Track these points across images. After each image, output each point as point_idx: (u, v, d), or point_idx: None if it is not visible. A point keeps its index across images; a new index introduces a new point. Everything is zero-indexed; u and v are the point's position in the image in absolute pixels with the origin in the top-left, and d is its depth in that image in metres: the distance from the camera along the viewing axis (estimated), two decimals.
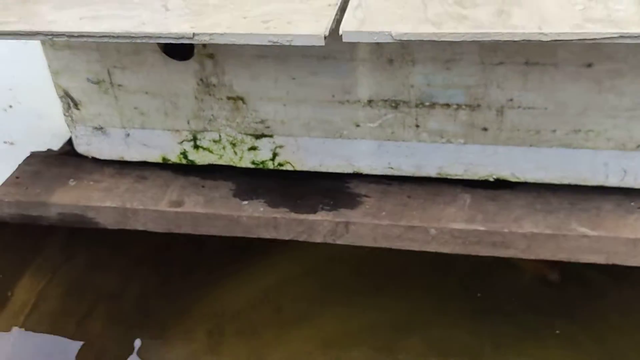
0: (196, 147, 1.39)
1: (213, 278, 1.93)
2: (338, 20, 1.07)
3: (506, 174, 1.30)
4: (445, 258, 1.85)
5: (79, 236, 1.70)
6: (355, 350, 1.79)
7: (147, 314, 1.84)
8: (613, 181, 1.27)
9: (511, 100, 1.22)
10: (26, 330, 1.64)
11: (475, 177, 1.32)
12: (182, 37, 1.09)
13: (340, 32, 1.04)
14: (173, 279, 1.89)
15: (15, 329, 1.63)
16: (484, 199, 1.34)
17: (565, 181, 1.29)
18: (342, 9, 1.10)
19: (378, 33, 1.02)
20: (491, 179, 1.32)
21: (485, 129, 1.26)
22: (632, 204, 1.31)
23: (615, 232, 1.26)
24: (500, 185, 1.34)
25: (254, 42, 1.06)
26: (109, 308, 1.80)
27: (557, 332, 1.78)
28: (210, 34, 1.07)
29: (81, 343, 1.71)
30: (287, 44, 1.05)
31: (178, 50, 1.24)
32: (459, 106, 1.25)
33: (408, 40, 1.01)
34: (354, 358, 1.78)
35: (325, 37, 1.04)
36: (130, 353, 1.77)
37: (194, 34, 1.08)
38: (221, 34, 1.07)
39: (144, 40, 1.08)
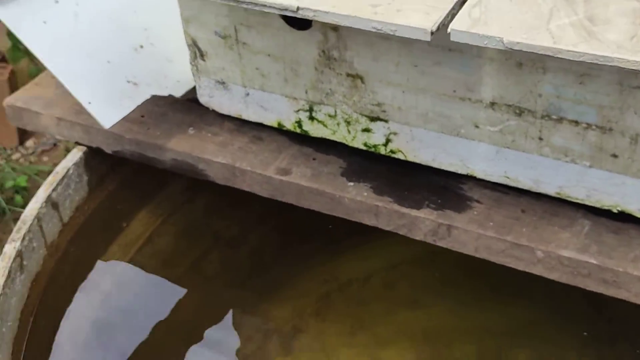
0: (311, 118, 1.35)
1: (332, 247, 1.91)
2: (453, 15, 0.97)
3: (633, 208, 1.16)
4: None
5: (203, 182, 1.72)
6: (459, 350, 1.72)
7: (260, 269, 1.86)
8: None
9: None
10: (134, 265, 1.70)
11: (598, 205, 1.19)
12: (286, 10, 1.04)
13: (449, 30, 0.95)
14: (292, 241, 1.89)
15: (122, 263, 1.69)
16: (605, 230, 1.21)
17: None
18: (462, 3, 1.00)
19: (489, 37, 0.93)
20: (615, 210, 1.18)
21: (615, 156, 1.13)
22: None
23: None
24: (628, 219, 1.20)
25: (357, 26, 1.00)
26: (223, 255, 1.83)
27: None
28: (314, 10, 1.02)
29: (185, 290, 1.74)
30: (391, 33, 0.97)
31: (296, 19, 1.19)
32: (588, 126, 1.12)
33: (520, 50, 0.90)
34: (454, 356, 1.71)
35: (432, 33, 0.95)
36: (237, 303, 1.79)
37: (298, 8, 1.03)
38: (325, 12, 1.01)
39: (249, 7, 1.04)
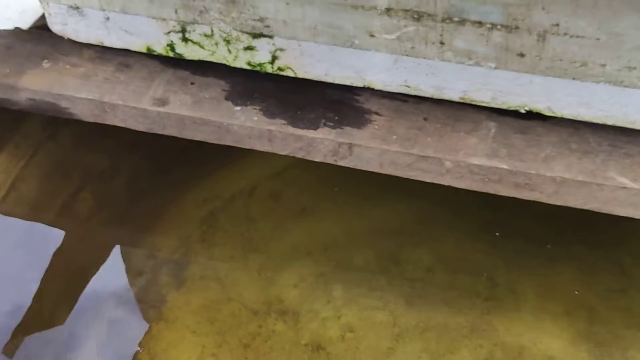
0: (185, 39, 1.20)
1: (209, 165, 1.79)
2: None
3: (541, 106, 1.11)
4: None
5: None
6: (358, 255, 1.67)
7: (137, 200, 1.72)
8: None
9: (557, 25, 1.01)
10: (2, 214, 1.52)
11: (504, 107, 1.13)
12: None
13: None
14: (167, 165, 1.76)
15: None
16: (511, 131, 1.15)
17: (610, 121, 1.10)
18: None
19: None
20: (523, 110, 1.12)
21: (522, 55, 1.06)
22: None
23: None
24: (533, 117, 1.15)
25: None
26: (96, 191, 1.68)
27: (574, 256, 1.65)
28: None
29: (63, 232, 1.59)
30: None
31: None
32: (493, 26, 1.04)
33: None
34: (355, 264, 1.66)
35: None
36: (119, 240, 1.66)
37: None
38: None
39: None
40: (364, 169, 1.17)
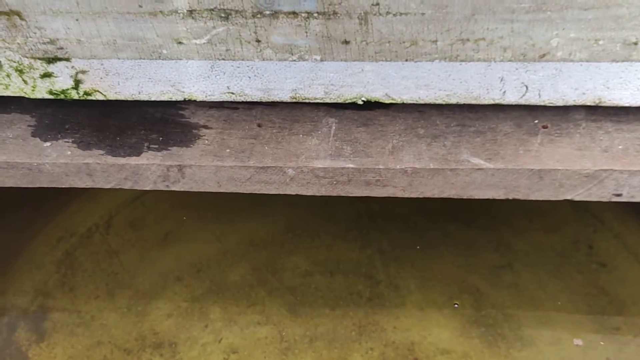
0: None
1: (59, 198, 1.63)
2: None
3: (378, 94, 0.98)
4: None
5: None
6: (232, 271, 1.55)
7: None
8: (511, 98, 0.97)
9: (377, 4, 0.87)
10: None
11: (341, 100, 0.99)
12: None
13: None
14: (7, 206, 1.58)
15: None
16: (353, 125, 1.02)
17: (453, 100, 0.98)
18: None
19: None
20: (360, 102, 0.99)
21: (346, 42, 0.92)
22: (536, 122, 1.01)
23: (515, 163, 0.96)
24: (374, 106, 1.02)
25: None
26: None
27: (451, 237, 1.56)
28: None
29: None
30: None
31: None
32: (309, 14, 0.90)
33: None
34: (231, 281, 1.53)
35: None
36: None
37: None
38: None
39: None
40: (201, 190, 1.02)
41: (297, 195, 1.53)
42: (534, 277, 1.50)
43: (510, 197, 0.99)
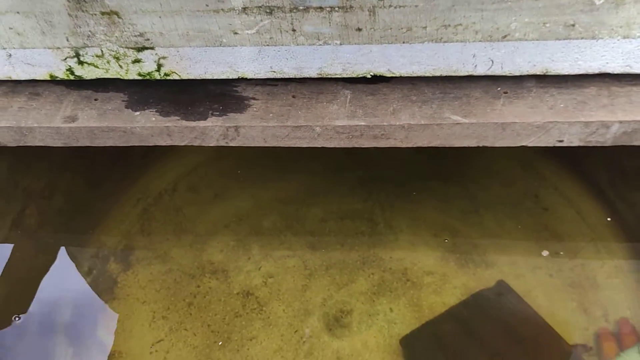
0: (80, 62, 1.06)
1: (134, 172, 1.66)
2: None
3: (382, 70, 1.02)
4: None
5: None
6: (266, 220, 1.57)
7: (78, 209, 1.56)
8: (481, 70, 1.01)
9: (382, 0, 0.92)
10: None
11: (354, 75, 1.03)
12: None
13: None
14: (98, 175, 1.61)
15: None
16: (363, 94, 1.06)
17: (437, 73, 1.02)
18: None
19: None
20: (369, 76, 1.03)
21: (359, 29, 0.96)
22: (499, 89, 1.05)
23: (484, 118, 1.01)
24: (378, 80, 1.06)
25: None
26: (40, 207, 1.51)
27: (432, 190, 1.60)
28: None
29: (12, 246, 1.43)
30: None
31: None
32: (332, 9, 0.94)
33: None
34: (265, 227, 1.56)
35: None
36: (68, 243, 1.50)
37: None
38: None
39: None
40: (251, 145, 1.06)
41: (315, 162, 1.56)
42: (494, 218, 1.54)
43: (481, 145, 1.04)
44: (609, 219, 1.48)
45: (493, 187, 1.59)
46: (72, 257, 1.51)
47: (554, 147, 1.31)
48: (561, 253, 1.44)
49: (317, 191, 1.62)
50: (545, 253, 1.45)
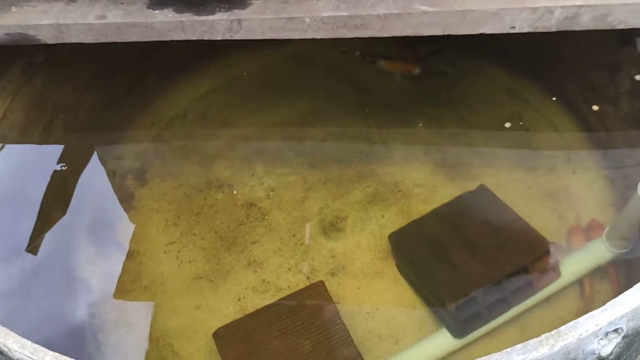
0: None
1: (149, 97, 2.01)
2: None
3: None
4: (336, 67, 1.96)
5: (36, 62, 1.74)
6: (269, 141, 1.90)
7: (99, 127, 1.92)
8: None
9: None
10: None
11: None
12: None
13: None
14: (116, 100, 1.97)
15: None
16: None
17: None
18: None
19: None
20: None
21: None
22: None
23: (447, 7, 1.34)
24: None
25: None
26: (66, 120, 1.88)
27: (426, 114, 1.92)
28: None
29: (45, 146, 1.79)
30: None
31: None
32: None
33: None
34: (268, 148, 1.89)
35: None
36: (90, 157, 1.85)
37: None
38: None
39: None
40: (252, 37, 1.41)
41: (317, 90, 1.90)
42: (481, 139, 1.86)
43: (446, 33, 1.37)
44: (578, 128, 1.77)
45: (481, 111, 1.91)
46: (93, 168, 1.86)
47: (537, 73, 1.65)
48: (540, 167, 1.76)
49: (318, 115, 1.95)
50: (526, 165, 1.76)
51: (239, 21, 1.37)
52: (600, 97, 1.73)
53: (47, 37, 1.45)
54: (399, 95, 1.95)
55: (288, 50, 2.09)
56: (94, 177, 1.83)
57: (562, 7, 1.28)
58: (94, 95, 1.85)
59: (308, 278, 1.60)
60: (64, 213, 1.71)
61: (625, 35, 1.63)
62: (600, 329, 0.91)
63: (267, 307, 1.53)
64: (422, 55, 2.01)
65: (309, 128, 1.90)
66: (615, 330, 0.94)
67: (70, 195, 1.74)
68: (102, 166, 1.85)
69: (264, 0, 1.39)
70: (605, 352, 0.96)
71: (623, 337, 0.97)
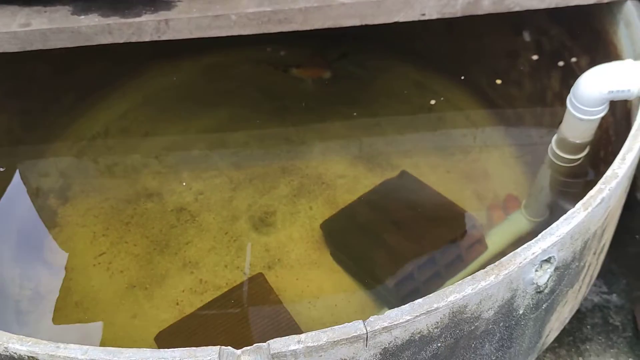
0: None
1: (70, 114, 2.02)
2: None
3: None
4: (250, 77, 2.06)
5: None
6: (194, 148, 1.96)
7: (17, 149, 1.91)
8: None
9: None
10: None
11: None
12: None
13: None
14: (34, 121, 1.97)
15: None
16: None
17: None
18: None
19: None
20: None
21: None
22: None
23: None
24: None
25: None
26: None
27: (340, 114, 2.04)
28: None
29: None
30: None
31: None
32: None
33: None
34: (194, 155, 1.95)
35: None
36: (7, 178, 1.84)
37: None
38: None
39: None
40: (179, 37, 1.48)
41: (234, 100, 1.98)
42: (395, 129, 2.00)
43: (364, 23, 1.50)
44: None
45: (392, 105, 2.05)
46: (14, 189, 1.85)
47: (444, 66, 1.80)
48: (456, 153, 1.91)
49: (237, 122, 2.03)
50: (441, 151, 1.90)
51: (166, 21, 1.45)
52: (504, 81, 1.92)
53: None
54: (312, 98, 2.07)
55: (202, 63, 2.17)
56: (16, 198, 1.83)
57: None
58: (7, 116, 1.85)
59: (245, 274, 1.65)
60: None
61: (517, 25, 1.83)
62: (536, 256, 1.04)
63: (209, 304, 1.57)
64: (332, 59, 2.14)
65: (230, 133, 1.98)
66: (548, 260, 1.08)
67: None
68: (23, 186, 1.85)
69: (189, 1, 1.47)
70: (541, 281, 1.09)
71: (555, 269, 1.10)
